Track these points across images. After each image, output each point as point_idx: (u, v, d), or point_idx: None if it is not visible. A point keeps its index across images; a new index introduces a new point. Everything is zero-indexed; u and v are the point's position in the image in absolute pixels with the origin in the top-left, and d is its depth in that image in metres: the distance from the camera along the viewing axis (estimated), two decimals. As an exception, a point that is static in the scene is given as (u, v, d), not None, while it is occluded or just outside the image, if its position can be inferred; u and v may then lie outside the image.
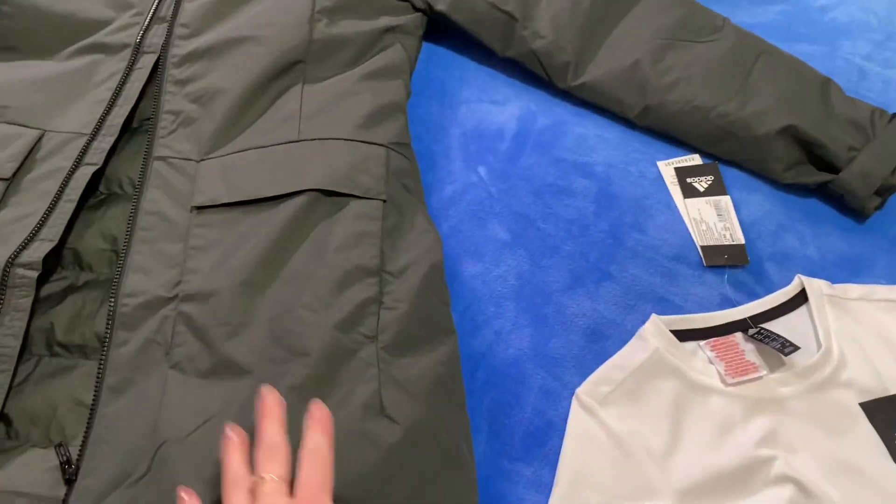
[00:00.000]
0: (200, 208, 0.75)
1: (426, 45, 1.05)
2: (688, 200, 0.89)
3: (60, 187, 0.75)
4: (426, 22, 1.03)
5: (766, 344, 0.74)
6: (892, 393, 0.72)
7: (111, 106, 0.82)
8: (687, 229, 0.87)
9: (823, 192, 0.89)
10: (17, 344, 0.66)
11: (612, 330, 0.80)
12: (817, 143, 0.86)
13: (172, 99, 0.84)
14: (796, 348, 0.73)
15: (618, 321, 0.80)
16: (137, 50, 0.87)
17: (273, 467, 0.52)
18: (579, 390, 0.74)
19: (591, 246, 0.86)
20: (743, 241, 0.85)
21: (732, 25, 0.96)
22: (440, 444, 0.64)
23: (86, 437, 0.63)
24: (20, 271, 0.68)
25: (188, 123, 0.82)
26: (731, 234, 0.86)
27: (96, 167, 0.77)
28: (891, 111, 0.88)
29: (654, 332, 0.76)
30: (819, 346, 0.75)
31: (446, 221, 0.89)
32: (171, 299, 0.70)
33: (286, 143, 0.80)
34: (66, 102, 0.84)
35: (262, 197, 0.75)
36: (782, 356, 0.74)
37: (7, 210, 0.74)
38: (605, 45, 0.96)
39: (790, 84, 0.90)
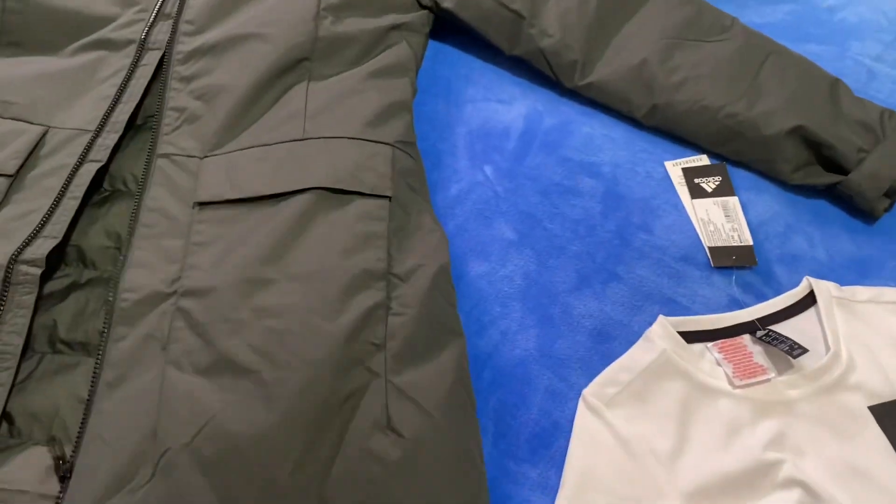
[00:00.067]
0: (203, 204, 0.75)
1: (432, 43, 1.05)
2: (695, 201, 0.89)
3: (64, 184, 0.75)
4: (432, 19, 1.02)
5: (775, 346, 0.74)
6: (901, 396, 0.72)
7: (116, 103, 0.82)
8: (694, 230, 0.87)
9: (832, 194, 0.89)
10: (21, 341, 0.66)
11: (618, 331, 0.79)
12: (826, 144, 0.85)
13: (177, 96, 0.84)
14: (805, 351, 0.73)
15: (625, 322, 0.80)
16: (142, 46, 0.87)
17: None
18: (586, 391, 0.73)
19: (597, 246, 0.86)
20: (751, 243, 0.85)
21: (741, 25, 0.96)
22: (450, 453, 0.64)
23: (80, 434, 0.63)
24: (23, 268, 0.68)
25: (192, 120, 0.82)
26: (739, 236, 0.85)
27: (100, 164, 0.77)
28: (900, 112, 0.88)
29: (662, 333, 0.75)
30: (827, 348, 0.75)
31: (452, 221, 0.88)
32: (170, 294, 0.69)
33: (291, 141, 0.79)
34: (71, 99, 0.83)
35: (266, 194, 0.75)
36: (790, 358, 0.74)
37: (11, 207, 0.74)
38: (612, 44, 0.96)
39: (799, 84, 0.90)
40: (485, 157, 0.94)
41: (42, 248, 0.69)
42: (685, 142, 0.94)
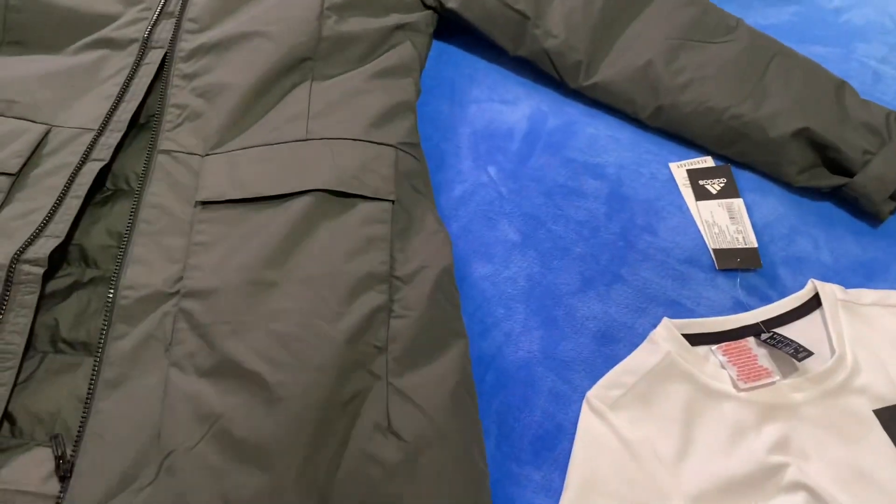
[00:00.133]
0: (205, 204, 0.74)
1: (436, 44, 1.05)
2: (700, 203, 0.88)
3: (67, 183, 0.74)
4: (437, 20, 1.02)
5: (779, 349, 0.74)
6: (906, 400, 0.71)
7: (118, 101, 0.82)
8: (699, 232, 0.86)
9: (837, 196, 0.89)
10: (23, 341, 0.65)
11: (622, 333, 0.79)
12: (832, 146, 0.85)
13: (179, 93, 0.83)
14: (809, 354, 0.72)
15: (629, 324, 0.80)
16: (145, 45, 0.86)
17: None
18: (589, 394, 0.73)
19: (602, 248, 0.85)
20: (756, 245, 0.84)
21: (746, 26, 0.95)
22: (452, 456, 0.64)
23: (80, 433, 0.63)
24: (26, 267, 0.67)
25: (194, 118, 0.81)
26: (743, 238, 0.85)
27: (103, 163, 0.76)
28: (906, 114, 0.87)
29: (666, 335, 0.75)
30: (832, 351, 0.74)
31: (456, 222, 0.88)
32: (172, 295, 0.69)
33: (294, 141, 0.79)
34: (74, 98, 0.83)
35: (268, 195, 0.74)
36: (795, 361, 0.73)
37: (13, 205, 0.73)
38: (617, 44, 0.95)
39: (804, 86, 0.89)
40: (489, 158, 0.94)
41: (44, 247, 0.69)
42: (690, 143, 0.94)
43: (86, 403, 0.64)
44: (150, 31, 0.87)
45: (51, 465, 0.62)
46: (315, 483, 0.60)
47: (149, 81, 0.83)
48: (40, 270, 0.67)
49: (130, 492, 0.59)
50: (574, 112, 0.98)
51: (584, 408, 0.73)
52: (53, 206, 0.73)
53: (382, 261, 0.71)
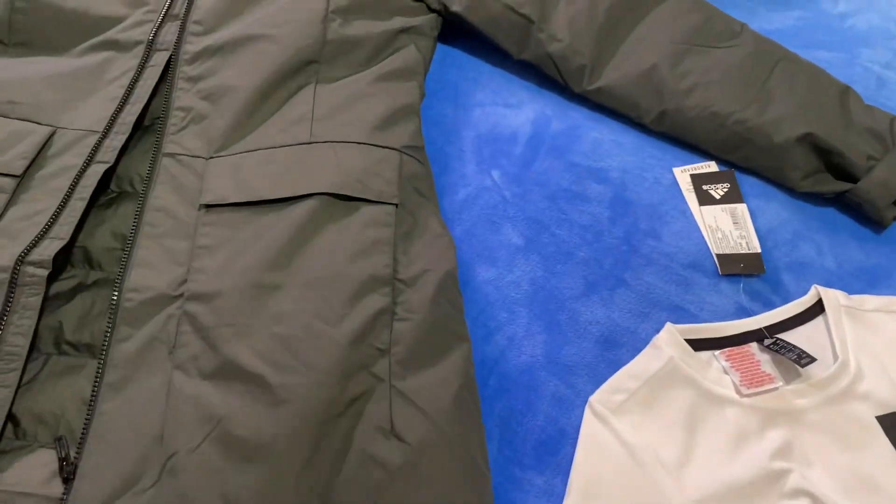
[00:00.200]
0: (209, 207, 0.74)
1: (441, 47, 1.05)
2: (703, 208, 0.88)
3: (71, 185, 0.74)
4: (441, 23, 1.02)
5: (782, 355, 0.74)
6: (909, 407, 0.71)
7: (123, 103, 0.82)
8: (702, 237, 0.86)
9: (841, 202, 0.89)
10: (27, 343, 0.65)
11: (626, 338, 0.79)
12: (835, 151, 0.85)
13: (183, 95, 0.83)
14: (812, 360, 0.72)
15: (632, 329, 0.80)
16: (150, 47, 0.87)
17: None
18: (592, 398, 0.73)
19: (605, 252, 0.85)
20: (759, 250, 0.84)
21: (751, 31, 0.95)
22: (454, 460, 0.63)
23: (84, 435, 0.63)
24: (30, 269, 0.67)
25: (198, 120, 0.81)
26: (747, 243, 0.85)
27: (108, 165, 0.76)
28: (910, 120, 0.87)
29: (669, 340, 0.75)
30: (835, 357, 0.74)
31: (459, 225, 0.88)
32: (176, 298, 0.69)
33: (298, 144, 0.79)
34: (78, 99, 0.83)
35: (272, 198, 0.74)
36: (798, 367, 0.73)
37: (17, 207, 0.73)
38: (621, 49, 0.95)
39: (809, 91, 0.89)
40: (493, 162, 0.94)
41: (49, 249, 0.69)
42: (694, 148, 0.94)
43: (89, 405, 0.64)
44: (155, 34, 0.87)
45: (54, 466, 0.62)
46: (317, 484, 0.60)
47: (153, 84, 0.83)
48: (45, 272, 0.67)
49: (133, 493, 0.59)
50: (578, 116, 0.98)
51: (587, 412, 0.73)
52: (58, 208, 0.73)
53: (386, 264, 0.71)
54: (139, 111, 0.81)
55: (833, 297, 0.78)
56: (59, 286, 0.73)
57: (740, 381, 0.73)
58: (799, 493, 0.67)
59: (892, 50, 1.05)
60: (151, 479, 0.59)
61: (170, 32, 0.88)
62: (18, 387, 0.65)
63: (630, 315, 0.81)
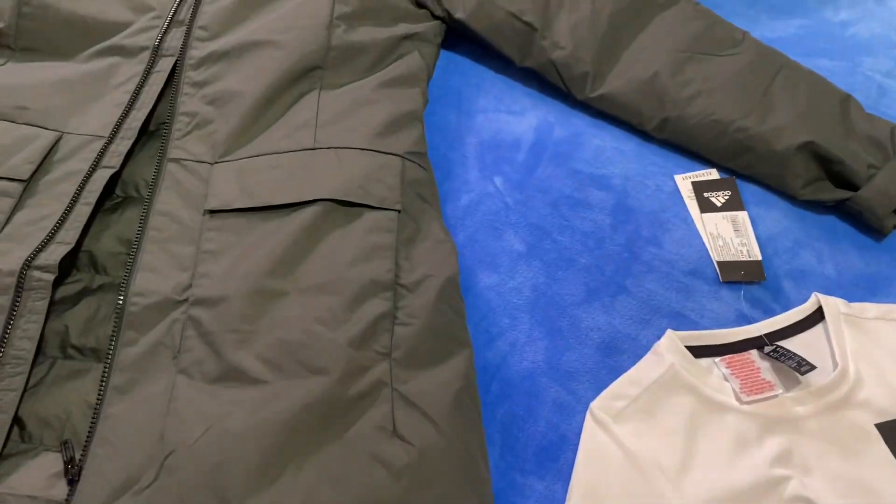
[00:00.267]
0: (214, 212, 0.75)
1: (444, 53, 1.05)
2: (705, 215, 0.89)
3: (77, 190, 0.75)
4: (445, 30, 1.02)
5: (782, 362, 0.74)
6: (908, 415, 0.72)
7: (129, 109, 0.82)
8: (703, 244, 0.87)
9: (841, 210, 0.89)
10: (33, 347, 0.66)
11: (626, 344, 0.79)
12: (836, 159, 0.85)
13: (188, 101, 0.84)
14: (812, 367, 0.72)
15: (633, 336, 0.80)
16: (156, 53, 0.87)
17: None
18: (593, 405, 0.73)
19: (607, 259, 0.86)
20: (760, 258, 0.85)
21: (753, 39, 0.96)
22: (455, 462, 0.64)
23: (89, 437, 0.63)
24: (36, 274, 0.68)
25: (203, 125, 0.82)
26: (747, 250, 0.85)
27: (113, 170, 0.77)
28: (911, 129, 0.88)
29: (670, 347, 0.75)
30: (835, 365, 0.75)
31: (462, 231, 0.88)
32: (181, 302, 0.70)
33: (302, 150, 0.80)
34: (84, 105, 0.84)
35: (276, 204, 0.75)
36: (798, 375, 0.74)
37: (24, 212, 0.74)
38: (624, 56, 0.96)
39: (810, 100, 0.90)
40: (495, 168, 0.94)
41: (55, 253, 0.70)
42: (695, 155, 0.94)
43: (95, 409, 0.65)
44: (160, 39, 0.88)
45: (58, 470, 0.63)
46: (318, 485, 0.60)
47: (159, 89, 0.84)
48: (51, 277, 0.68)
49: (132, 493, 0.59)
50: (580, 123, 0.99)
51: (588, 419, 0.73)
52: (64, 212, 0.73)
53: (388, 269, 0.72)
54: (145, 116, 0.82)
55: (833, 305, 0.78)
56: (65, 290, 0.74)
57: (740, 388, 0.73)
58: (798, 500, 0.67)
59: (894, 59, 1.05)
60: (150, 479, 0.60)
61: (175, 38, 0.89)
62: (24, 390, 0.65)
63: (631, 322, 0.81)
